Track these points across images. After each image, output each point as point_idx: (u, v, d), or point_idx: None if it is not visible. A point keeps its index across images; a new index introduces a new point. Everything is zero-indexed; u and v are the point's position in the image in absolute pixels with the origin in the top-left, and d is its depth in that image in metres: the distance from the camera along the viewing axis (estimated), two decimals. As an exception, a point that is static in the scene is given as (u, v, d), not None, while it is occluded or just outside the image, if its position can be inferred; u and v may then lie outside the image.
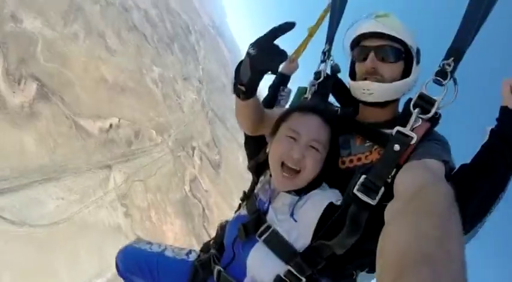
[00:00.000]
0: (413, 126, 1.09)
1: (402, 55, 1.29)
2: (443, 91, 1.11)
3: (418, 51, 1.34)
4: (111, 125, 14.98)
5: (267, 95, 1.88)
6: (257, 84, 1.16)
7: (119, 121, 15.79)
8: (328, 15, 1.69)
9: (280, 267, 1.06)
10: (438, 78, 1.11)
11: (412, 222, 0.56)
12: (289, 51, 1.63)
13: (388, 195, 0.96)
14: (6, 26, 13.30)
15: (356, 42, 1.35)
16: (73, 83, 14.37)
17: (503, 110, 1.06)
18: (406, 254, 0.49)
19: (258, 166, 1.38)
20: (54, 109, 12.51)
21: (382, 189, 1.00)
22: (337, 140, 1.26)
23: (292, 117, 1.22)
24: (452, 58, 1.10)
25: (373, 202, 0.98)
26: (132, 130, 16.70)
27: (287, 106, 1.78)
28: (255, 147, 1.48)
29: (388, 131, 1.18)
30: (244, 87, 1.14)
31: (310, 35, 2.00)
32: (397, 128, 1.09)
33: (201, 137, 26.31)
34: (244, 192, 1.44)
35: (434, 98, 1.11)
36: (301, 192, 1.16)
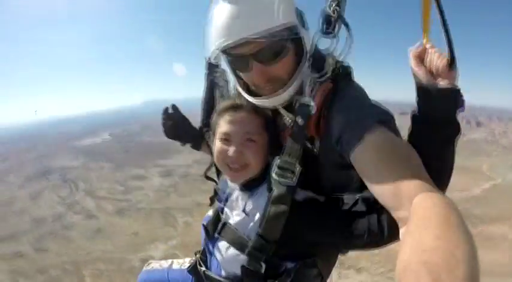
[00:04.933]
0: (314, 92, 1.04)
1: (288, 40, 1.06)
2: (336, 41, 1.03)
3: (300, 15, 1.09)
4: None
5: (205, 83, 1.75)
6: (187, 143, 1.67)
7: None
8: None
9: (242, 258, 1.14)
10: (326, 29, 1.03)
11: (413, 238, 0.55)
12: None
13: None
14: None
15: (225, 50, 1.09)
16: None
17: (418, 89, 0.95)
18: (407, 267, 0.49)
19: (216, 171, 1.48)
20: None
21: (298, 167, 1.02)
22: (273, 121, 1.24)
23: (221, 120, 1.23)
24: (335, 2, 1.00)
25: (292, 183, 1.02)
26: None
27: None
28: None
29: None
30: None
31: None
32: (298, 99, 1.06)
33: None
34: (210, 199, 1.47)
35: (327, 52, 1.06)
36: (254, 186, 1.23)
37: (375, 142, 0.88)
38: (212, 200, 1.43)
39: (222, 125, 1.22)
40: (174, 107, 1.64)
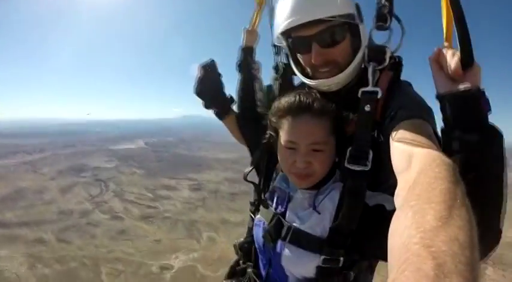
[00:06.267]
0: (375, 81, 1.08)
1: (346, 29, 1.14)
2: (389, 34, 1.10)
3: (357, 8, 1.16)
4: None
5: (240, 73, 1.72)
6: (213, 107, 1.61)
7: None
8: None
9: (316, 259, 1.08)
10: (379, 23, 1.08)
11: (414, 213, 0.53)
12: (246, 24, 1.76)
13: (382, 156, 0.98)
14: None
15: (289, 32, 1.19)
16: None
17: (441, 99, 0.88)
18: (406, 247, 0.47)
19: (266, 169, 1.39)
20: None
21: (371, 153, 1.01)
22: (340, 122, 1.16)
23: (284, 123, 1.16)
24: None
25: (366, 168, 1.01)
26: None
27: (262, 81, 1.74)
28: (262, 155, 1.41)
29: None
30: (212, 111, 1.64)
31: (259, 4, 1.76)
32: (361, 89, 1.07)
33: None
34: (253, 203, 1.41)
35: (383, 44, 1.10)
36: (321, 184, 1.17)
37: (413, 124, 0.90)
38: (262, 202, 1.33)
39: (286, 130, 1.14)
40: (212, 63, 1.56)
